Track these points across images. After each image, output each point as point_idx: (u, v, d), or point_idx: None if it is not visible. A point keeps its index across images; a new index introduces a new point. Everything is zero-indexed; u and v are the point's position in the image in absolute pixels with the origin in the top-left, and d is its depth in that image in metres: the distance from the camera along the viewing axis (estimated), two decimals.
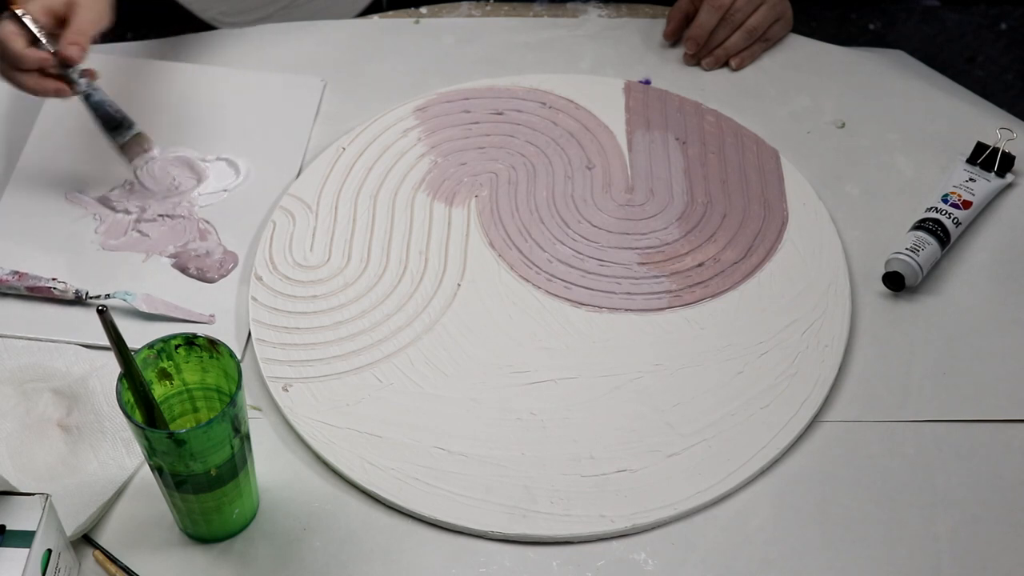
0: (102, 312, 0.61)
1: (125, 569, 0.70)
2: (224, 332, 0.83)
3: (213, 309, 0.84)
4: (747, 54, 1.03)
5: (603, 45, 1.05)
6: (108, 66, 1.00)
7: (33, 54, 0.83)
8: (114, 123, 0.88)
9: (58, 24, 0.84)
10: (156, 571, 0.71)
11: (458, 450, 0.76)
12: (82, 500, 0.72)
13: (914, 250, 0.84)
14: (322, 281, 0.86)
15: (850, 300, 0.84)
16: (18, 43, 0.82)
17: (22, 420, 0.76)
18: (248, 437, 0.68)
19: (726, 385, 0.79)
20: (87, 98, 0.87)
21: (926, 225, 0.86)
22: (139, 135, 0.89)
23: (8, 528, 0.64)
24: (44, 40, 0.83)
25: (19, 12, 0.82)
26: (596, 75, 1.02)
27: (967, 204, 0.88)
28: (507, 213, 0.91)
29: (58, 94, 0.85)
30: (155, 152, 0.93)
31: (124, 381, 0.64)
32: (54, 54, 0.83)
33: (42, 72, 0.84)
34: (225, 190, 0.93)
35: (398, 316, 0.83)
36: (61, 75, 0.85)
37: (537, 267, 0.87)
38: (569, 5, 1.10)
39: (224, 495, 0.68)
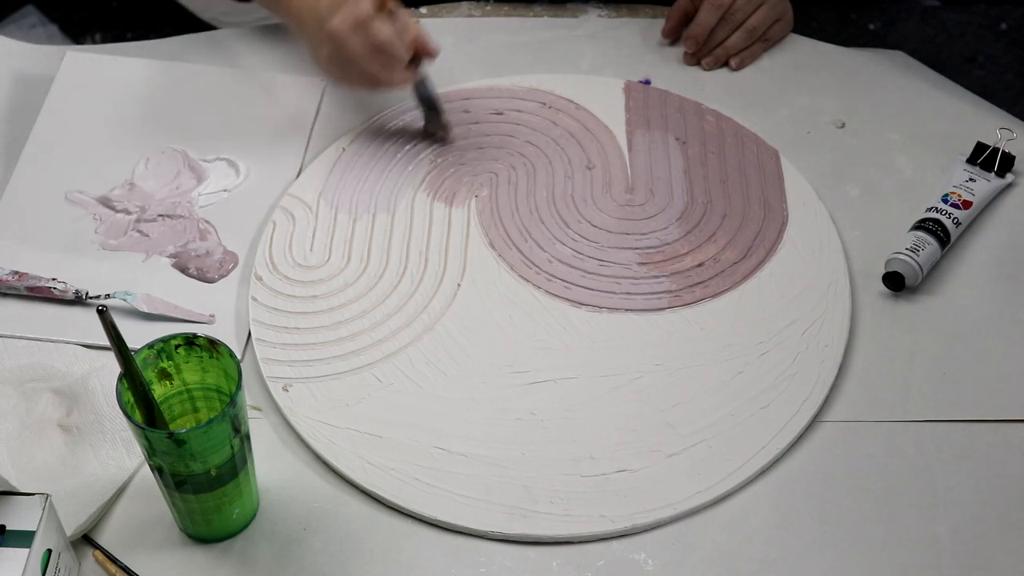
0: (102, 312, 0.61)
1: (125, 569, 0.70)
2: (224, 332, 0.83)
3: (213, 309, 0.84)
4: (747, 54, 1.03)
5: (603, 45, 1.05)
6: (108, 66, 1.01)
7: (408, 51, 0.87)
8: (437, 109, 0.93)
9: None
10: (156, 571, 0.71)
11: (458, 450, 0.76)
12: (82, 500, 0.72)
13: (914, 250, 0.84)
14: (322, 281, 0.86)
15: (850, 300, 0.84)
16: (399, 43, 0.85)
17: (22, 420, 0.76)
18: (248, 437, 0.68)
19: (726, 385, 0.79)
20: (419, 85, 0.92)
21: (926, 225, 0.86)
22: (446, 123, 0.95)
23: (8, 528, 0.64)
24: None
25: (392, 8, 0.85)
26: (596, 75, 1.02)
27: (967, 204, 0.88)
28: (507, 213, 0.91)
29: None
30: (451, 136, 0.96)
31: (124, 381, 0.64)
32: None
33: None
34: (225, 190, 0.92)
35: (398, 316, 0.83)
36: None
37: (537, 267, 0.87)
38: (569, 5, 1.10)
39: (224, 495, 0.68)
